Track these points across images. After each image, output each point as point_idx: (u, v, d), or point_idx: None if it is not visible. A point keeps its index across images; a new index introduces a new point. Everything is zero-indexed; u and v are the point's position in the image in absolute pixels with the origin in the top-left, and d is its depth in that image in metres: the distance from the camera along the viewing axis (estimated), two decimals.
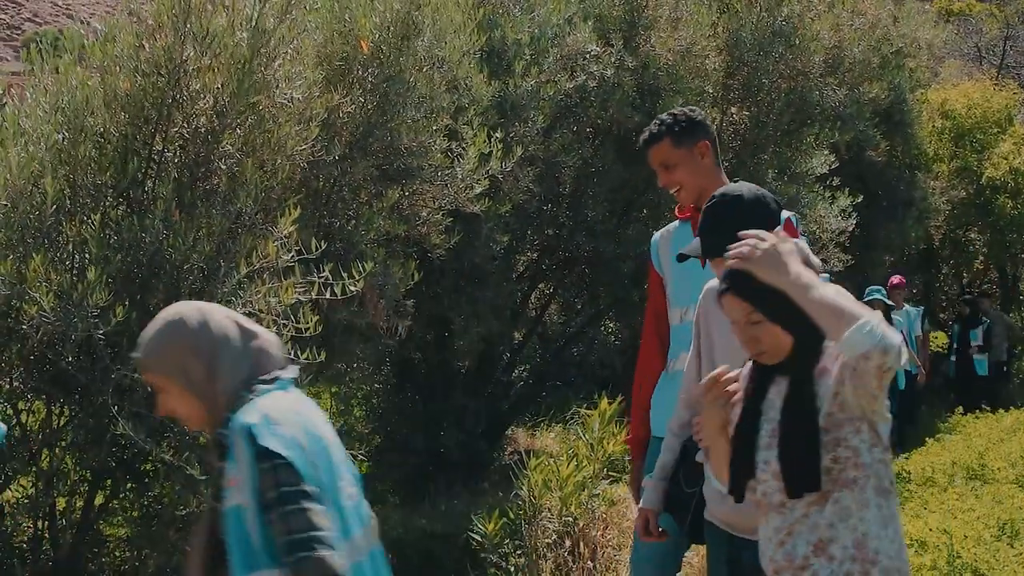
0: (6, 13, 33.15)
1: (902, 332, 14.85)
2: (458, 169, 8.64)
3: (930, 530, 8.60)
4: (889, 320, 13.93)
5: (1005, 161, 20.84)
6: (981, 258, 22.78)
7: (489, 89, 9.37)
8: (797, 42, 12.96)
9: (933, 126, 21.11)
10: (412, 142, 8.34)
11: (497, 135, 8.91)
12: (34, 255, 5.88)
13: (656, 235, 5.88)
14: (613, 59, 11.37)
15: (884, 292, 15.41)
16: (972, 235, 22.10)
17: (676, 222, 5.76)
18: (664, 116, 5.57)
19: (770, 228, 4.03)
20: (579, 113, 11.68)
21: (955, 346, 19.45)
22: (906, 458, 13.27)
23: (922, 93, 20.48)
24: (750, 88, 13.10)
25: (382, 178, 8.42)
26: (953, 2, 32.55)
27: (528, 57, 10.72)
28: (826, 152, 13.11)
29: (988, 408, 16.47)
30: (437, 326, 11.32)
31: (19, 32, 32.19)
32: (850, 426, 3.75)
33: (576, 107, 11.57)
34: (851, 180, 14.23)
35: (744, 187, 4.63)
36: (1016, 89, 24.19)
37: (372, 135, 8.21)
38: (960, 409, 16.73)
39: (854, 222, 13.37)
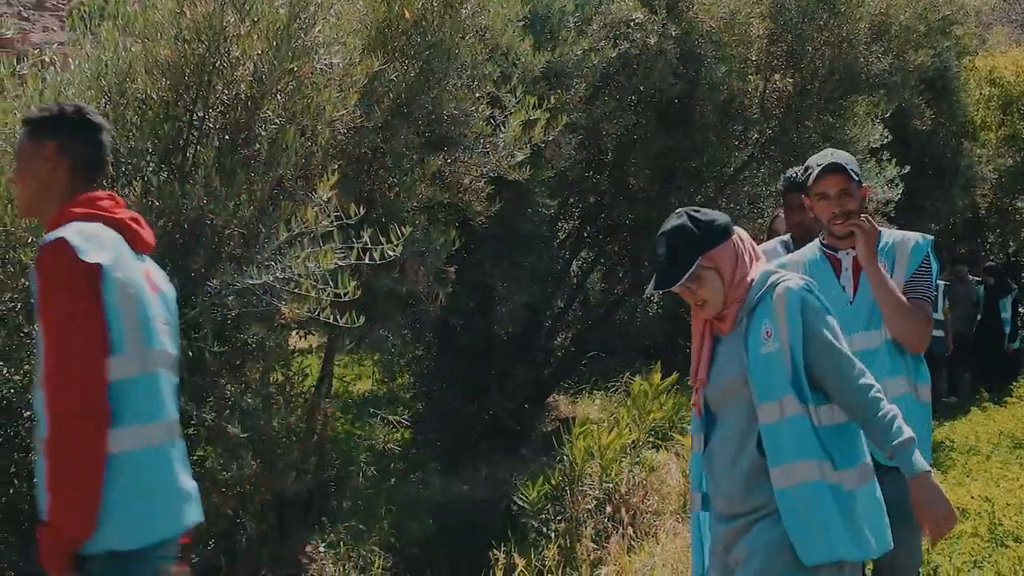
0: None
1: None
2: (500, 137, 8.63)
3: (972, 497, 8.59)
4: None
5: None
6: None
7: (539, 58, 9.34)
8: (842, 9, 12.87)
9: (981, 94, 20.94)
10: (455, 110, 8.33)
11: (542, 108, 8.85)
12: None
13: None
14: (656, 26, 11.32)
15: None
16: (1019, 203, 21.90)
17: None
18: None
19: None
20: (622, 80, 11.66)
21: (979, 317, 17.88)
22: (950, 426, 13.20)
23: (970, 60, 20.29)
24: (794, 55, 13.05)
25: (424, 145, 8.42)
26: None
27: (572, 25, 10.70)
28: (880, 126, 13.04)
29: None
30: (479, 293, 11.34)
31: (66, 2, 32.35)
32: None
33: (618, 74, 11.55)
34: (897, 148, 14.11)
35: None
36: None
37: (414, 102, 8.20)
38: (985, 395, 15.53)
39: (900, 192, 13.31)
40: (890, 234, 5.30)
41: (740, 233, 4.52)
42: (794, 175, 6.66)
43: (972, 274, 18.15)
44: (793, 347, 4.27)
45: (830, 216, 5.20)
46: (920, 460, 4.20)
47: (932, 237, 5.23)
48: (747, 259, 4.48)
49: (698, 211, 4.44)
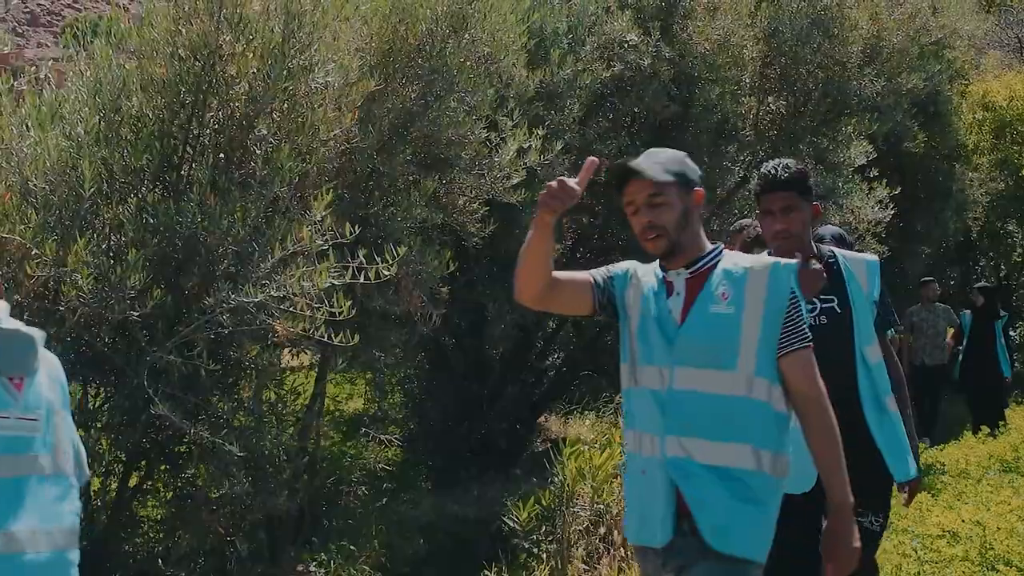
0: None
1: None
2: (496, 159, 8.66)
3: (963, 521, 8.56)
4: None
5: None
6: (1020, 250, 22.60)
7: (533, 79, 9.36)
8: (835, 32, 12.89)
9: (974, 117, 20.98)
10: (453, 134, 8.35)
11: (537, 130, 8.86)
12: (77, 238, 5.92)
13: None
14: (650, 48, 11.34)
15: None
16: (1011, 227, 21.93)
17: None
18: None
19: None
20: (615, 102, 11.67)
21: (964, 343, 16.16)
22: (940, 450, 13.19)
23: (964, 85, 20.34)
24: (787, 78, 13.05)
25: (420, 167, 8.44)
26: None
27: (566, 46, 10.73)
28: (864, 143, 13.06)
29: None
30: (472, 313, 11.34)
31: (59, 18, 32.39)
32: None
33: (612, 95, 11.57)
34: (889, 171, 14.11)
35: None
36: None
37: (413, 124, 8.23)
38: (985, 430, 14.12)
39: (891, 213, 13.31)
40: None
41: None
42: (771, 172, 5.08)
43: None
44: None
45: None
46: None
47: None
48: None
49: None
